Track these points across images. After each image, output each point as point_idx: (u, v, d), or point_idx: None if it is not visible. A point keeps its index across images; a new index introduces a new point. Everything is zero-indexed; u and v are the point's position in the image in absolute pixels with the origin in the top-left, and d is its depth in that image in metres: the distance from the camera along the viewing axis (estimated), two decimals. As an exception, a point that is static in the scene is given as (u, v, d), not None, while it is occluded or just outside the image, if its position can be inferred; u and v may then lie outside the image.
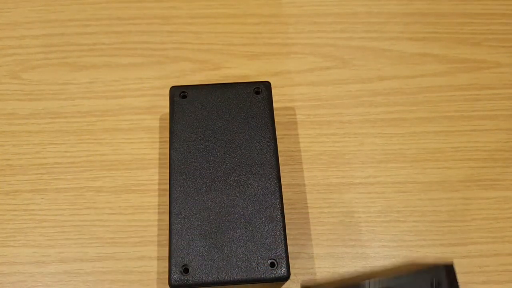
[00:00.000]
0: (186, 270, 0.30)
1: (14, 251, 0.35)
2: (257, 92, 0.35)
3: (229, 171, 0.32)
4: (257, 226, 0.31)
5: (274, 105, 0.41)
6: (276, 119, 0.40)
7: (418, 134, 0.40)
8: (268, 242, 0.30)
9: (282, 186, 0.38)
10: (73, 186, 0.37)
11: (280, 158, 0.39)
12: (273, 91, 0.41)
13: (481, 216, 0.37)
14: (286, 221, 0.36)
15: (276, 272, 0.30)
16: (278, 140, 0.39)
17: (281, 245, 0.30)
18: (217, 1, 0.45)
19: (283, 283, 0.33)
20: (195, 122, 0.34)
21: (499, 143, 0.40)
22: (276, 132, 0.40)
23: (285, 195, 0.37)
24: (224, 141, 0.33)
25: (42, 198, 0.37)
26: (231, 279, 0.30)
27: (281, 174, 0.38)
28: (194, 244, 0.30)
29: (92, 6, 0.44)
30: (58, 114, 0.40)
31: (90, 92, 0.41)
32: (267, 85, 0.35)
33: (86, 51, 0.43)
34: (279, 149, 0.39)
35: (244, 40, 0.43)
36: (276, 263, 0.30)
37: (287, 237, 0.31)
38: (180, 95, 0.35)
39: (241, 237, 0.31)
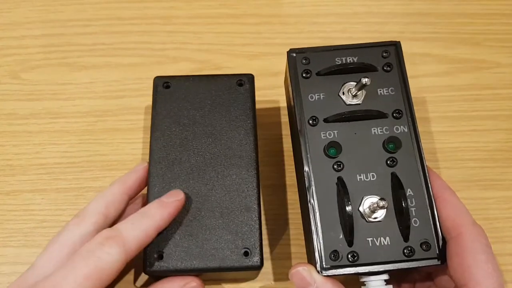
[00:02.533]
0: (160, 257, 0.30)
1: (15, 251, 0.36)
2: (240, 84, 0.35)
3: (208, 161, 0.33)
4: (233, 216, 0.31)
5: (275, 105, 0.41)
6: (276, 119, 0.40)
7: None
8: (243, 231, 0.31)
9: (282, 186, 0.38)
10: (73, 186, 0.37)
11: (280, 158, 0.39)
12: (273, 91, 0.41)
13: (481, 216, 0.37)
14: (286, 221, 0.37)
15: (250, 261, 0.30)
16: (278, 140, 0.39)
17: (255, 234, 0.31)
18: (217, 1, 0.45)
19: (258, 272, 0.33)
20: (177, 112, 0.34)
21: (499, 143, 0.40)
22: (275, 131, 0.40)
23: (285, 195, 0.37)
24: (205, 131, 0.33)
25: (42, 198, 0.37)
26: (205, 266, 0.30)
27: (281, 174, 0.38)
28: (170, 231, 0.31)
29: (92, 6, 0.44)
30: (58, 114, 0.40)
31: (90, 92, 0.41)
32: (250, 78, 0.35)
33: (86, 51, 0.43)
34: (279, 149, 0.39)
35: (244, 40, 0.43)
36: (250, 252, 0.30)
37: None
38: (164, 85, 0.35)
39: (216, 225, 0.31)
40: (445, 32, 0.44)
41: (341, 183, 0.30)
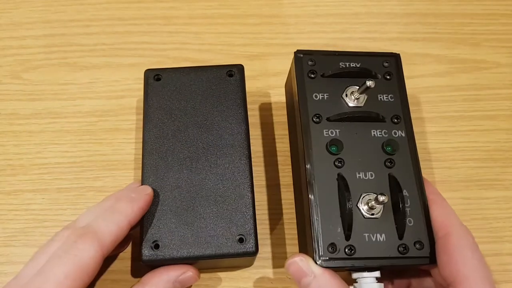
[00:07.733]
0: (156, 246, 0.30)
1: (16, 250, 0.36)
2: (230, 75, 0.35)
3: (201, 150, 0.33)
4: (227, 204, 0.32)
5: (275, 104, 0.41)
6: (276, 119, 0.40)
7: (418, 134, 0.40)
8: (237, 219, 0.31)
9: (283, 186, 0.38)
10: (74, 186, 0.38)
11: (280, 158, 0.39)
12: (274, 91, 0.41)
13: (481, 216, 0.37)
14: (287, 220, 0.37)
15: (244, 247, 0.30)
16: (278, 140, 0.40)
17: (249, 221, 0.31)
18: (217, 1, 0.45)
19: (253, 259, 0.33)
20: (168, 103, 0.35)
21: (498, 143, 0.40)
22: (276, 131, 0.40)
23: (285, 195, 0.37)
24: (196, 122, 0.34)
25: (43, 198, 0.37)
26: (201, 254, 0.30)
27: (281, 173, 0.38)
28: (165, 221, 0.31)
29: (93, 6, 0.44)
30: (59, 114, 0.40)
31: (91, 92, 0.41)
32: (240, 68, 0.36)
33: (87, 51, 0.43)
34: (279, 148, 0.39)
35: (244, 40, 0.43)
36: (244, 239, 0.31)
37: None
38: (154, 78, 0.35)
39: (211, 214, 0.31)
40: (445, 32, 0.44)
41: (341, 179, 0.31)
